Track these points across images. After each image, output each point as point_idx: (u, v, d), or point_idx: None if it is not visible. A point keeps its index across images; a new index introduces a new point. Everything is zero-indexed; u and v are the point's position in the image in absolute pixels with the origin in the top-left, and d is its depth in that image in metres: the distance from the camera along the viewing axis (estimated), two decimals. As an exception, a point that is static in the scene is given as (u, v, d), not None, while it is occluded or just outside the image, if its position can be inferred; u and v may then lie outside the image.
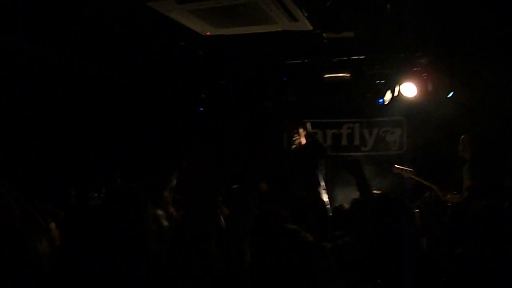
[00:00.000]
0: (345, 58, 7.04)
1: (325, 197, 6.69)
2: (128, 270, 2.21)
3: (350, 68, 7.25)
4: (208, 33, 5.53)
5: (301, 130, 6.98)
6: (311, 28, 5.34)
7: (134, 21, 5.32)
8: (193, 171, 2.46)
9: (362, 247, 3.40)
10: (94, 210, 2.68)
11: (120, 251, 2.24)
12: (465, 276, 3.39)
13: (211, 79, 7.85)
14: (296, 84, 7.82)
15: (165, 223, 4.93)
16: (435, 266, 3.71)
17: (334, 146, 8.48)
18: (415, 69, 7.06)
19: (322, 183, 6.90)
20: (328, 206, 6.41)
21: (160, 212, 5.06)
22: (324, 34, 5.85)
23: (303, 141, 6.97)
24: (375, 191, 4.24)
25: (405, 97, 7.30)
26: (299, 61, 7.23)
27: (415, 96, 7.22)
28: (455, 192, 6.20)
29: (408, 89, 7.20)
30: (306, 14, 4.94)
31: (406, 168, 6.88)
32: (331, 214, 5.02)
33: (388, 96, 7.47)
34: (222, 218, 3.44)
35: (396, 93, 7.33)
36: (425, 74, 7.06)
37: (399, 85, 7.23)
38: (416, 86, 7.13)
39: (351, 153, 8.41)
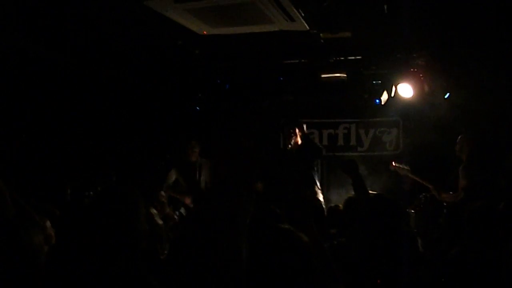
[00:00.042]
0: (342, 58, 7.03)
1: (320, 197, 6.68)
2: (118, 269, 2.20)
3: (346, 69, 7.25)
4: (205, 32, 5.53)
5: (297, 130, 6.97)
6: (308, 28, 5.34)
7: (131, 20, 5.31)
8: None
9: (357, 247, 3.40)
10: (86, 209, 2.67)
11: (110, 251, 2.23)
12: (461, 276, 3.39)
13: (207, 78, 7.84)
14: (292, 84, 7.81)
15: (159, 222, 4.94)
16: (431, 266, 3.72)
17: (330, 146, 8.43)
18: (412, 69, 7.07)
19: (318, 183, 6.89)
20: (323, 206, 6.41)
21: (154, 210, 5.07)
22: (321, 34, 5.85)
23: (299, 141, 6.96)
24: (371, 192, 4.25)
25: (402, 97, 7.30)
26: (295, 61, 7.21)
27: (411, 96, 7.23)
28: (451, 192, 6.20)
29: (405, 90, 7.20)
30: (303, 14, 4.94)
31: (403, 166, 6.88)
32: (326, 214, 5.01)
33: (384, 96, 7.48)
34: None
35: (392, 94, 7.34)
36: (421, 75, 7.07)
37: (396, 86, 7.24)
38: (413, 87, 7.14)
39: (347, 154, 8.42)
